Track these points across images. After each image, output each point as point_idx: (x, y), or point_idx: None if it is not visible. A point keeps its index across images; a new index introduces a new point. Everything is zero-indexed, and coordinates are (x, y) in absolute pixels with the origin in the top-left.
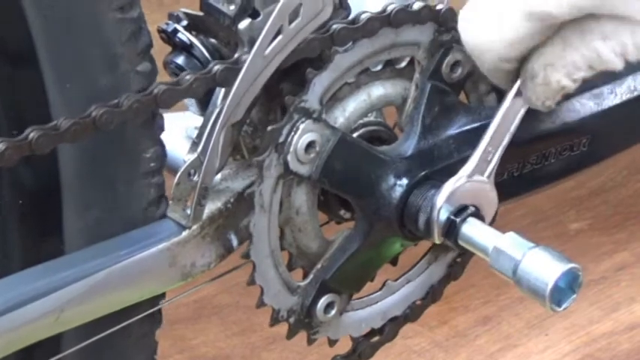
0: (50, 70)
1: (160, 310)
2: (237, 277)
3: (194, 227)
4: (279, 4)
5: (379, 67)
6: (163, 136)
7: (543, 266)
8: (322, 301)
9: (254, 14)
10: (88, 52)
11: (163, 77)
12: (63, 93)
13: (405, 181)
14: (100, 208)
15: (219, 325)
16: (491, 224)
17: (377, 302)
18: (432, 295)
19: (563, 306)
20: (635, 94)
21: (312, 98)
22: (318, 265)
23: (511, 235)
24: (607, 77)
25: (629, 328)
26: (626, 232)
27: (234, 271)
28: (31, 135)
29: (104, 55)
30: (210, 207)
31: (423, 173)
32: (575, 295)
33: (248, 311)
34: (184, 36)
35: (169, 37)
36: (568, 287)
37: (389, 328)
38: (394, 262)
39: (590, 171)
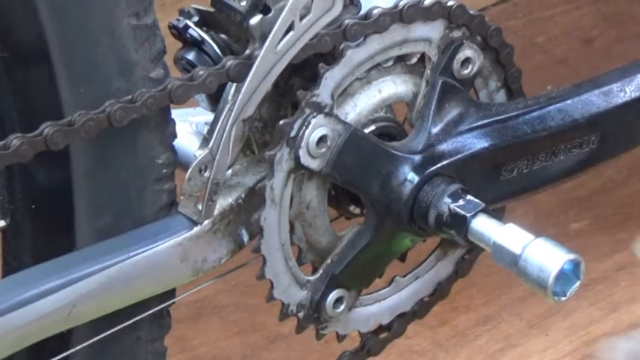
0: (64, 75)
1: (169, 314)
2: (238, 277)
3: (205, 223)
4: (290, 0)
5: (390, 63)
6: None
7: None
8: (331, 296)
9: (265, 10)
10: (102, 58)
11: (174, 73)
12: (76, 97)
13: (415, 177)
14: (111, 213)
15: (220, 325)
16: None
17: (385, 298)
18: (440, 292)
19: (569, 293)
20: None
21: (323, 93)
22: (328, 260)
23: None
24: (617, 75)
25: (629, 328)
26: (627, 232)
27: (235, 271)
28: (46, 130)
29: (118, 61)
30: (222, 202)
31: (433, 169)
32: (579, 281)
33: (249, 311)
34: (195, 32)
35: (180, 33)
36: (572, 274)
37: (397, 324)
38: (403, 258)
39: (591, 171)
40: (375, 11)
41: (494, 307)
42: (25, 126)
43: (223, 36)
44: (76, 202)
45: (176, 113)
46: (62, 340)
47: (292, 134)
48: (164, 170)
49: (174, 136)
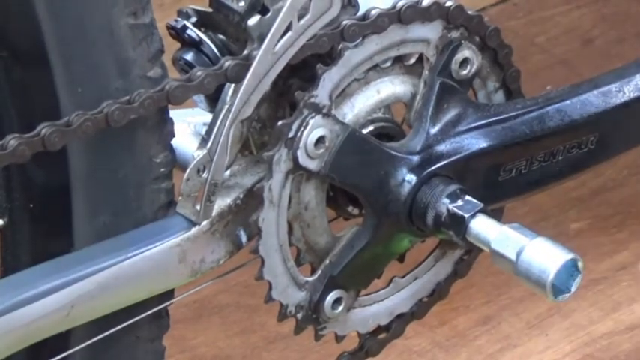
0: (62, 74)
1: (167, 314)
2: (237, 277)
3: (204, 223)
4: (289, 1)
5: (388, 64)
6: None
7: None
8: (330, 297)
9: (263, 11)
10: (100, 57)
11: (172, 73)
12: (74, 97)
13: (413, 178)
14: (109, 212)
15: (220, 325)
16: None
17: (384, 299)
18: (439, 292)
19: (573, 289)
20: None
21: (321, 94)
22: (327, 261)
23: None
24: (615, 75)
25: (629, 328)
26: (626, 232)
27: (235, 271)
28: (44, 131)
29: (116, 60)
30: (220, 203)
31: (431, 170)
32: (580, 275)
33: (248, 311)
34: (193, 32)
35: (178, 33)
36: (571, 271)
37: (396, 325)
38: (401, 258)
39: (591, 171)
40: (373, 12)
41: (494, 307)
42: (23, 125)
43: (221, 36)
44: (74, 201)
45: (174, 114)
46: (61, 339)
47: (290, 135)
48: (162, 169)
49: (172, 135)
